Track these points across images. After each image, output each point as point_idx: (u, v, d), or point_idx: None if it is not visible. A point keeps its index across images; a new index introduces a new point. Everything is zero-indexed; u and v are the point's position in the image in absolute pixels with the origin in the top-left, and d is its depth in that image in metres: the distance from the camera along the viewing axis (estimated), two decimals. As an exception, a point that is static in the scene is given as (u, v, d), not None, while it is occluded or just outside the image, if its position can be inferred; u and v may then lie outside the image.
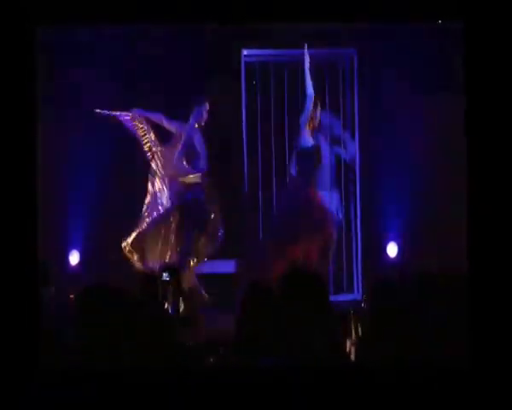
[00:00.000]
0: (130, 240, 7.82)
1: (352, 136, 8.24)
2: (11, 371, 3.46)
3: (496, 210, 3.59)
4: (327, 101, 8.19)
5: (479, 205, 3.60)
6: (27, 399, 3.16)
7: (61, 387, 3.04)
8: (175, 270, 5.17)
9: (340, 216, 8.12)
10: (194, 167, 7.93)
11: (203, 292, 7.78)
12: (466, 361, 3.38)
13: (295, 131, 7.91)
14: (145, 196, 8.00)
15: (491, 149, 3.62)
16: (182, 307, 5.52)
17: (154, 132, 8.03)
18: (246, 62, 8.03)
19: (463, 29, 3.70)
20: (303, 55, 7.85)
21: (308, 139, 7.76)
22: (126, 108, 7.99)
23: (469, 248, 3.63)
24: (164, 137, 8.11)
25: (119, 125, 8.05)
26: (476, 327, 3.52)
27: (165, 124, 8.00)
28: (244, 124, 8.05)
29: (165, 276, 5.08)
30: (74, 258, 8.39)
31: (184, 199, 7.92)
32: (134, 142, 8.10)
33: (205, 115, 7.91)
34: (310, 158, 7.80)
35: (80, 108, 8.14)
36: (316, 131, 7.93)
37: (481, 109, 3.66)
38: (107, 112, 7.80)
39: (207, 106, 7.91)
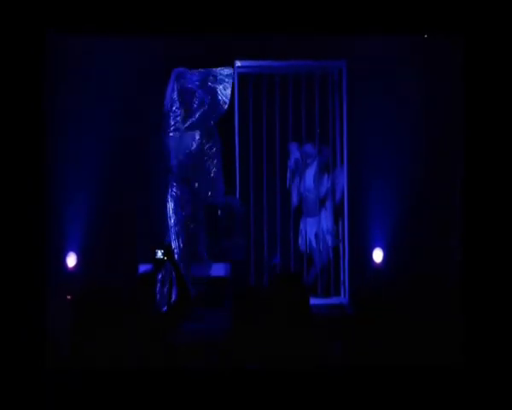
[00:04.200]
0: None
1: (341, 146, 8.53)
2: (18, 370, 3.62)
3: (489, 217, 3.78)
4: (316, 111, 8.47)
5: (473, 211, 3.78)
6: (34, 395, 3.33)
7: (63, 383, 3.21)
8: (168, 249, 5.24)
9: (331, 239, 8.46)
10: None
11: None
12: (460, 360, 3.62)
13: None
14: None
15: (489, 158, 3.79)
16: (176, 284, 5.61)
17: None
18: (239, 73, 8.29)
19: (464, 42, 3.85)
20: (294, 66, 8.19)
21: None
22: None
23: (464, 250, 3.81)
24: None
25: (120, 126, 8.27)
26: (470, 325, 3.71)
27: None
28: (237, 132, 8.29)
29: (159, 254, 5.16)
30: (71, 260, 8.48)
31: None
32: (133, 145, 8.32)
33: None
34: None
35: (82, 109, 8.31)
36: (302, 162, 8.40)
37: (480, 119, 3.82)
38: None
39: None
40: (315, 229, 8.55)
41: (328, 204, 8.57)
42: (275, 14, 4.36)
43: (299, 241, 8.62)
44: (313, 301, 7.98)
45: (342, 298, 8.42)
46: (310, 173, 8.57)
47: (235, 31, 4.86)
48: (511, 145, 3.90)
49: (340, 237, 8.55)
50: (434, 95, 8.42)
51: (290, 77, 8.43)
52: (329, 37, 7.40)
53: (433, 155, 8.53)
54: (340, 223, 8.56)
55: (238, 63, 8.29)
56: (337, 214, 8.58)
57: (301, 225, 8.64)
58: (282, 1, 4.37)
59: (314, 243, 8.54)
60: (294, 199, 8.60)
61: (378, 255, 8.78)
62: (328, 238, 8.53)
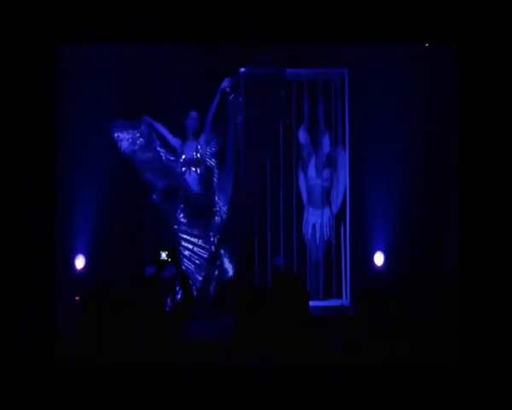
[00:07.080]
0: None
1: (343, 150, 8.68)
2: (27, 369, 3.72)
3: (484, 218, 3.87)
4: (320, 118, 8.63)
5: (469, 213, 3.87)
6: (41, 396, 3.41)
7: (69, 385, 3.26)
8: (173, 250, 5.31)
9: (328, 232, 8.59)
10: None
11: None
12: (455, 360, 3.66)
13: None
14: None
15: (483, 163, 3.88)
16: (181, 285, 5.75)
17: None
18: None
19: (457, 51, 3.97)
20: (297, 74, 8.36)
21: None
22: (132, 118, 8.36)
23: (460, 251, 3.89)
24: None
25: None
26: (466, 326, 3.78)
27: (169, 138, 8.44)
28: (242, 139, 8.37)
29: (163, 256, 5.24)
30: (80, 262, 8.60)
31: None
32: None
33: (191, 124, 8.37)
34: None
35: (89, 112, 8.42)
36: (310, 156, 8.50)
37: (474, 127, 3.91)
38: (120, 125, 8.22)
39: (192, 115, 8.37)
40: (315, 220, 8.67)
41: (333, 198, 8.69)
42: (278, 25, 4.50)
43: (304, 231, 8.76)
44: (315, 302, 8.21)
45: (344, 300, 8.56)
46: (312, 163, 8.70)
47: (239, 40, 4.99)
48: (506, 148, 4.02)
49: (342, 237, 8.67)
50: (435, 99, 8.55)
51: (293, 84, 8.58)
52: (330, 46, 7.54)
53: (435, 159, 8.66)
54: (342, 222, 8.68)
55: (242, 70, 8.37)
56: (340, 209, 8.70)
57: (304, 216, 8.76)
58: (285, 13, 4.52)
59: (310, 235, 8.66)
60: (303, 190, 8.74)
61: (379, 259, 8.91)
62: (326, 231, 8.64)
